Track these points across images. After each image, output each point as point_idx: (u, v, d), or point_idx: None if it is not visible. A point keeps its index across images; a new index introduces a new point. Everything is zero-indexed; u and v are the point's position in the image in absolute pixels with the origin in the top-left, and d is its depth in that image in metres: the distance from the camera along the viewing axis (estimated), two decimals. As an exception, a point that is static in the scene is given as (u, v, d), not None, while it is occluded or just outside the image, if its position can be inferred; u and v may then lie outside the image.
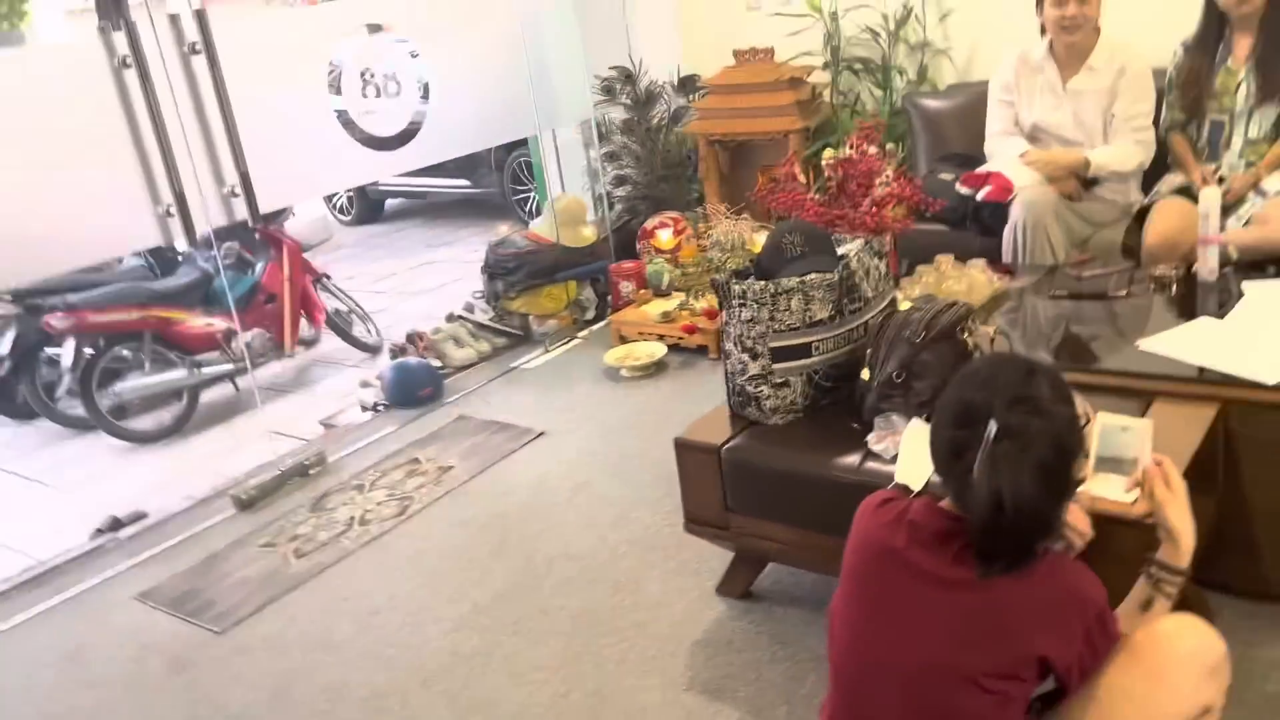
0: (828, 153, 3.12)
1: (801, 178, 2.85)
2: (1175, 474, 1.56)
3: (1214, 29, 3.04)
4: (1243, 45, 3.00)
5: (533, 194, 6.75)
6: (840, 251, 2.34)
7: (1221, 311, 2.43)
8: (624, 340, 4.12)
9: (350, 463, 3.58)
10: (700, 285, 4.07)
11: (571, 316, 4.52)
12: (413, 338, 4.40)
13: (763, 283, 2.21)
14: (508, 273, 4.39)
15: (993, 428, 1.35)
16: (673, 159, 4.77)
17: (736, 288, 2.24)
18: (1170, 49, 3.16)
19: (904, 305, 2.27)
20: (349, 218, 8.34)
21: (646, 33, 4.76)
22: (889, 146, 3.11)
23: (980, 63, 4.02)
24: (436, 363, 4.22)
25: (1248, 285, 2.51)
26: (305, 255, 4.76)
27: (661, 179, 4.78)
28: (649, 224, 4.41)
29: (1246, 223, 2.90)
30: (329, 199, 8.21)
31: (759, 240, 3.79)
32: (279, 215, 4.62)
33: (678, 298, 4.14)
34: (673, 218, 4.38)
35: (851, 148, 2.78)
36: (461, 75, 4.07)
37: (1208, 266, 2.62)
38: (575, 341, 4.41)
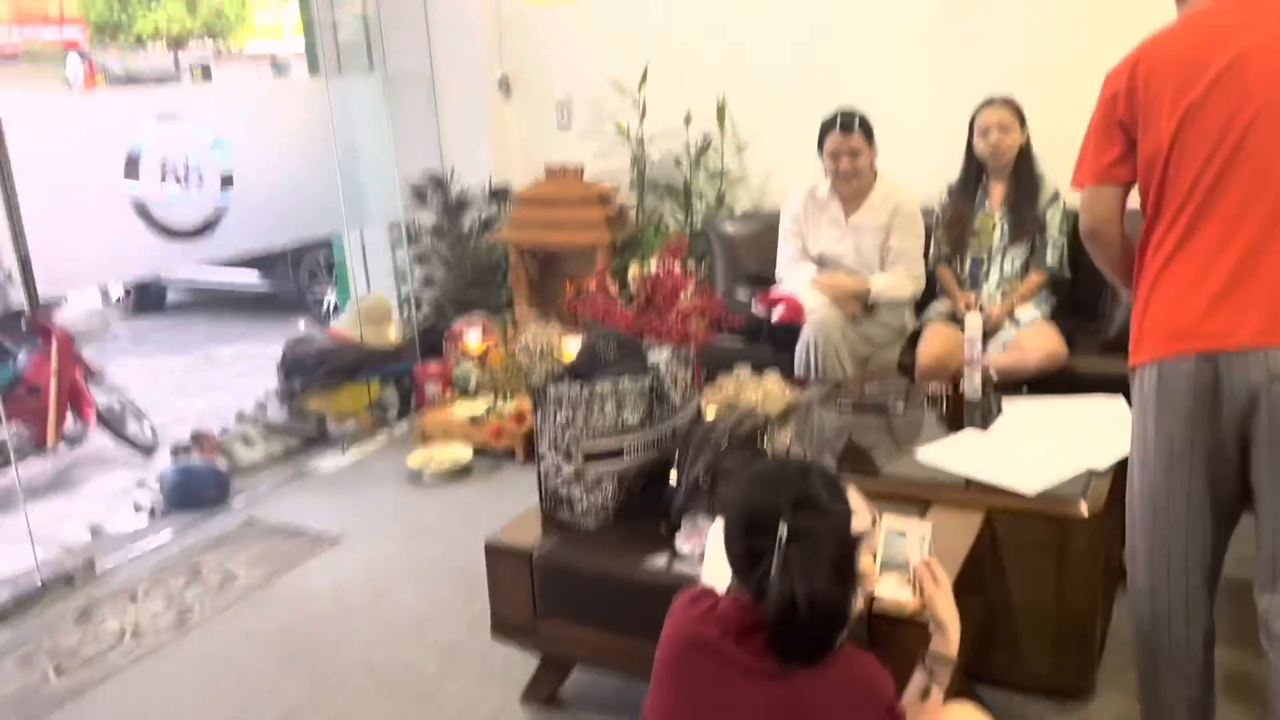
0: (634, 267, 3.27)
1: (612, 289, 2.97)
2: (940, 571, 1.71)
3: (974, 176, 3.46)
4: (997, 192, 3.43)
5: (331, 291, 6.60)
6: (650, 359, 2.45)
7: (985, 425, 2.70)
8: (428, 442, 4.06)
9: (123, 570, 3.30)
10: (509, 388, 4.09)
11: (372, 417, 4.41)
12: (198, 437, 4.15)
13: (578, 386, 2.27)
14: (307, 370, 4.25)
15: (783, 531, 1.43)
16: (483, 264, 4.82)
17: (552, 390, 2.29)
18: (938, 189, 3.55)
19: (710, 413, 2.39)
20: (126, 308, 7.84)
21: (459, 141, 4.86)
22: (690, 264, 3.29)
23: (773, 192, 4.34)
24: (223, 464, 3.99)
25: (1006, 403, 2.81)
26: (76, 347, 4.43)
27: (471, 283, 4.81)
28: (457, 326, 4.41)
29: (1004, 347, 3.27)
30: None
31: (567, 346, 3.87)
32: (49, 304, 4.30)
33: (485, 401, 4.14)
34: (482, 321, 4.41)
35: (659, 263, 2.93)
36: (268, 169, 4.00)
37: (972, 386, 2.91)
38: (376, 443, 4.30)
